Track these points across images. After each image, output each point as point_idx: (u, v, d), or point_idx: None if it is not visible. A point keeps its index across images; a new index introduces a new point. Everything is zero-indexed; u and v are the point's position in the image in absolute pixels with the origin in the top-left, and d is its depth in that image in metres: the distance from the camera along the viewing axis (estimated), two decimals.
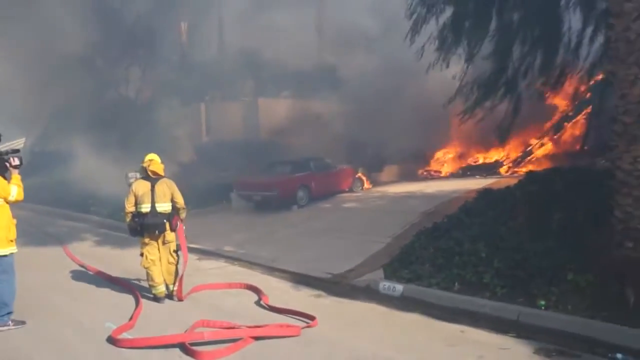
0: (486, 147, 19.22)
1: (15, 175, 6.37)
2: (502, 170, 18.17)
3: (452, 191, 13.58)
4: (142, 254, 7.18)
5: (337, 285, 7.79)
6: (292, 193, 14.31)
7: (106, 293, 7.72)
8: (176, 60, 20.79)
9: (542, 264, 6.60)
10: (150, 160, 7.31)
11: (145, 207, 7.06)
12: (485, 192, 10.65)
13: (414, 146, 18.37)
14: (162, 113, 17.11)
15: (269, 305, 6.78)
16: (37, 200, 9.29)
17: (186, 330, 5.80)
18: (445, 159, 20.41)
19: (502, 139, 12.35)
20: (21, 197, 6.36)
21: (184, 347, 5.35)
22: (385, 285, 7.37)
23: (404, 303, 6.83)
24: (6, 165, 6.33)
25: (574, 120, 16.97)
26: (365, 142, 18.11)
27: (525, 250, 7.02)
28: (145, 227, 7.01)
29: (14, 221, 6.32)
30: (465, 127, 16.50)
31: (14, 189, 6.27)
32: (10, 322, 6.11)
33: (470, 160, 19.92)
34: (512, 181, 10.92)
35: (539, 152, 18.10)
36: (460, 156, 20.23)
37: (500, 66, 9.48)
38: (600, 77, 11.68)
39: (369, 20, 18.98)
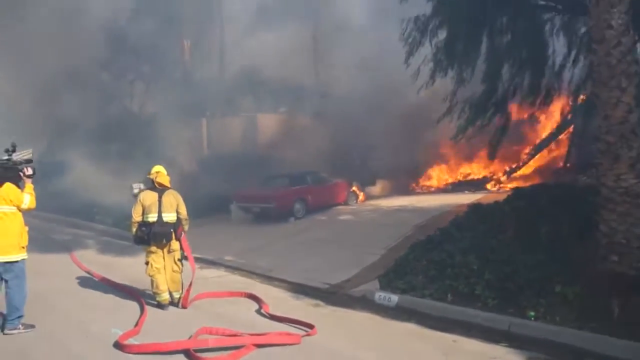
0: (474, 163, 19.67)
1: (29, 185, 6.59)
2: (490, 185, 18.57)
3: (442, 205, 13.89)
4: (147, 262, 7.39)
5: (334, 295, 8.02)
6: (290, 205, 14.61)
7: (111, 299, 7.91)
8: (179, 76, 21.17)
9: (531, 276, 6.90)
10: (157, 172, 7.58)
11: (152, 217, 7.30)
12: (475, 207, 10.99)
13: (406, 161, 18.73)
14: (164, 127, 17.42)
15: (269, 314, 6.98)
16: (43, 208, 9.52)
17: (190, 337, 5.96)
18: (435, 174, 20.77)
19: (491, 156, 12.74)
20: (34, 205, 6.58)
21: (188, 354, 5.52)
22: (380, 296, 7.61)
23: (398, 313, 7.06)
24: (20, 175, 6.57)
25: (557, 139, 17.47)
26: (359, 156, 18.45)
27: (515, 263, 7.31)
28: (153, 235, 7.23)
29: (26, 228, 6.53)
30: (454, 143, 17.00)
31: (27, 197, 6.50)
32: (20, 325, 6.30)
33: (460, 176, 20.30)
34: (500, 196, 11.28)
35: (524, 169, 18.56)
36: (450, 172, 20.62)
37: (490, 87, 9.89)
38: (582, 98, 12.20)
39: (363, 39, 19.43)
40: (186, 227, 7.66)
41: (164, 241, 7.34)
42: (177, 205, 7.48)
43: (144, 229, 7.32)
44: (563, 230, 7.59)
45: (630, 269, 5.99)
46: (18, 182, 6.54)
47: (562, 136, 16.62)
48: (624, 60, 6.15)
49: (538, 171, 17.73)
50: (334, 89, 20.16)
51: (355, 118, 18.23)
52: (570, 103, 14.27)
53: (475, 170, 19.70)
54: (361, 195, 17.21)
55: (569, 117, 14.65)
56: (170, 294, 7.45)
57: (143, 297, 7.63)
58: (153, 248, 7.38)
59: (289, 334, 6.10)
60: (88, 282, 9.04)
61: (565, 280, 6.54)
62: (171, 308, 7.39)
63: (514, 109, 10.96)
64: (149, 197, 7.42)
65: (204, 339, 5.92)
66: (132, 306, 7.44)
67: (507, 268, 7.24)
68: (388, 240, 10.65)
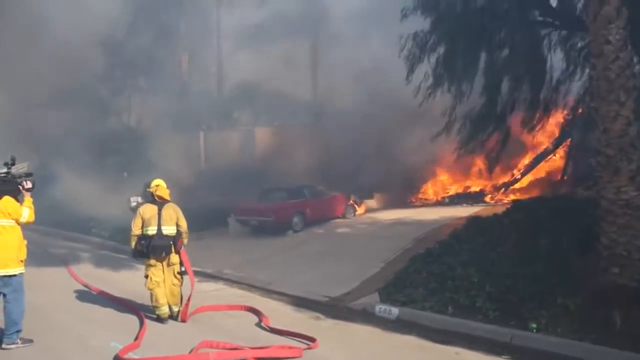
0: (472, 175, 19.76)
1: (28, 198, 6.57)
2: (487, 198, 18.63)
3: (440, 218, 13.91)
4: (146, 276, 7.35)
5: (334, 308, 8.00)
6: (288, 219, 14.61)
7: (110, 313, 7.85)
8: (176, 90, 21.26)
9: (531, 288, 6.92)
10: (157, 185, 7.57)
11: (152, 230, 7.27)
12: (473, 220, 11.04)
13: (403, 174, 18.79)
14: (162, 140, 17.46)
15: (269, 327, 6.95)
16: (41, 222, 9.51)
17: (191, 351, 5.92)
18: (432, 187, 20.83)
19: (490, 169, 12.82)
20: (32, 219, 6.55)
21: None
22: (381, 309, 7.60)
23: (399, 325, 7.05)
24: (19, 188, 6.54)
25: (555, 152, 17.60)
26: (356, 170, 18.48)
27: (515, 275, 7.34)
28: (152, 248, 7.20)
29: (25, 242, 6.50)
30: (452, 157, 17.09)
31: (26, 211, 6.47)
32: (18, 340, 6.23)
33: (457, 189, 20.36)
34: (498, 209, 11.35)
35: (522, 182, 18.67)
36: (447, 184, 20.68)
37: (489, 102, 9.99)
38: (579, 111, 12.34)
39: (361, 52, 19.59)
40: (185, 241, 7.63)
41: (164, 254, 7.31)
42: (177, 219, 7.46)
43: (143, 242, 7.29)
44: (563, 242, 7.62)
45: (632, 281, 6.02)
46: (17, 195, 6.51)
47: (559, 149, 16.73)
48: (623, 75, 6.23)
49: (535, 184, 17.82)
50: (331, 101, 20.27)
51: (352, 131, 18.30)
52: (568, 117, 14.43)
53: (473, 183, 19.77)
54: (359, 209, 17.21)
55: (567, 129, 14.76)
56: (170, 307, 7.40)
57: (142, 311, 7.57)
58: (152, 261, 7.34)
59: (290, 347, 6.08)
60: (86, 295, 8.96)
61: (567, 292, 6.55)
62: (171, 322, 7.34)
63: (512, 122, 11.04)
64: (149, 210, 7.40)
65: (205, 352, 5.89)
66: (131, 320, 7.39)
67: (508, 280, 7.26)
68: (387, 253, 10.66)
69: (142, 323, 7.07)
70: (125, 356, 5.79)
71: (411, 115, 15.94)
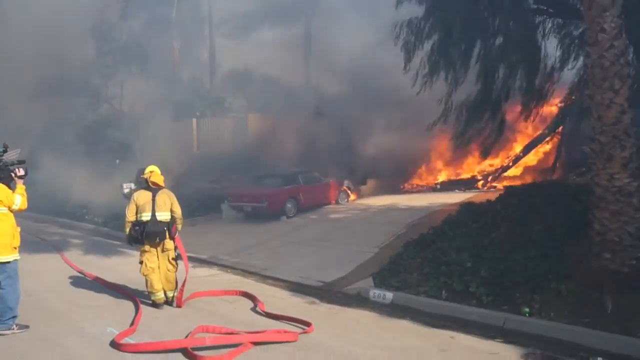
0: (465, 162, 19.86)
1: (20, 185, 6.52)
2: (480, 184, 18.75)
3: (433, 204, 14.02)
4: (141, 262, 7.36)
5: (329, 293, 8.06)
6: (281, 204, 14.65)
7: (105, 299, 7.84)
8: (169, 77, 21.11)
9: (525, 273, 7.00)
10: (151, 171, 7.55)
11: (146, 216, 7.26)
12: (467, 206, 11.09)
13: (396, 160, 18.83)
14: (155, 127, 17.36)
15: (265, 312, 6.98)
16: (34, 209, 9.48)
17: (187, 336, 5.94)
18: (426, 173, 20.91)
19: (485, 155, 12.88)
20: (25, 206, 6.51)
21: (186, 352, 5.50)
22: (375, 293, 7.67)
23: (394, 310, 7.12)
24: (11, 175, 6.49)
25: (547, 139, 17.72)
26: (350, 155, 18.52)
27: (508, 260, 7.41)
28: (147, 234, 7.20)
29: (18, 229, 6.46)
30: (445, 143, 17.16)
31: (18, 198, 6.43)
32: (14, 326, 6.24)
33: (450, 175, 20.46)
34: (491, 195, 11.41)
35: (515, 169, 18.79)
36: (440, 170, 20.77)
37: (484, 89, 9.99)
38: (573, 99, 12.39)
39: (354, 38, 19.51)
40: (180, 227, 7.64)
41: (158, 240, 7.31)
42: (171, 205, 7.45)
43: (137, 228, 7.28)
44: (556, 228, 7.70)
45: (623, 266, 6.11)
46: (9, 182, 6.47)
47: (551, 136, 16.83)
48: (617, 63, 6.25)
49: (528, 170, 17.94)
50: (324, 87, 20.21)
51: (346, 117, 18.29)
52: (562, 104, 14.50)
53: (466, 169, 19.87)
54: (352, 194, 17.27)
55: (560, 117, 14.84)
56: (165, 293, 7.42)
57: (137, 296, 7.58)
58: (147, 247, 7.34)
59: (286, 332, 6.12)
60: (81, 281, 8.96)
61: (559, 277, 6.64)
62: (166, 307, 7.36)
63: (506, 109, 11.06)
64: (143, 197, 7.38)
65: (201, 337, 5.91)
66: (127, 305, 7.40)
67: (501, 265, 7.34)
68: (381, 239, 10.74)
69: (137, 309, 7.10)
70: (122, 341, 5.81)
71: (404, 101, 15.99)
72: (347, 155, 18.14)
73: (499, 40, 9.91)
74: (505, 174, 18.76)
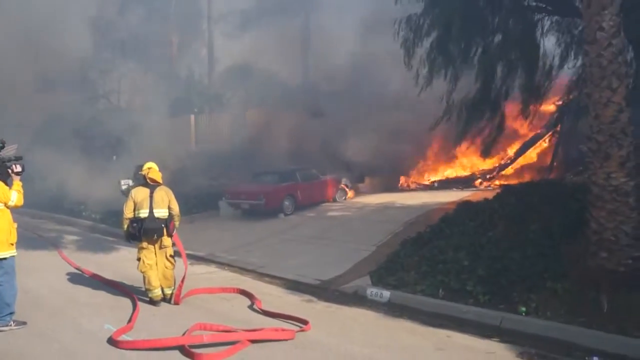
0: (462, 161, 19.87)
1: (17, 182, 6.51)
2: (477, 183, 18.75)
3: (431, 202, 13.97)
4: (139, 259, 7.36)
5: (326, 291, 8.07)
6: (279, 202, 14.64)
7: (103, 296, 7.85)
8: (167, 72, 21.07)
9: (521, 272, 7.01)
10: (149, 168, 7.54)
11: (144, 213, 7.26)
12: (464, 204, 11.09)
13: (394, 159, 18.83)
14: (152, 123, 17.34)
15: (262, 310, 6.99)
16: (32, 205, 9.49)
17: (184, 333, 5.95)
18: (423, 171, 20.90)
19: (485, 154, 12.88)
20: (21, 202, 6.50)
21: (183, 350, 5.50)
22: (372, 292, 7.68)
23: (391, 308, 7.13)
24: (8, 172, 6.47)
25: (544, 138, 17.73)
26: (348, 153, 18.50)
27: (505, 259, 7.41)
28: (144, 231, 7.20)
29: (15, 225, 6.46)
30: (442, 141, 17.15)
31: (14, 194, 6.42)
32: (12, 322, 6.25)
33: (448, 173, 20.46)
34: (488, 194, 11.41)
35: (511, 168, 18.80)
36: (437, 169, 20.77)
37: (484, 88, 9.99)
38: (571, 97, 12.39)
39: (352, 35, 19.47)
40: (177, 223, 7.64)
41: (155, 237, 7.32)
42: (169, 201, 7.45)
43: (135, 224, 7.29)
44: (553, 227, 7.71)
45: (619, 266, 6.12)
46: (6, 179, 6.46)
47: (549, 135, 16.85)
48: (615, 62, 6.25)
49: (525, 169, 17.94)
50: (322, 83, 20.18)
51: (343, 113, 18.27)
52: (560, 103, 14.49)
53: (464, 167, 19.87)
54: (350, 192, 17.26)
55: (558, 115, 14.84)
56: (163, 290, 7.42)
57: (134, 293, 7.58)
58: (144, 244, 7.35)
59: (283, 330, 6.12)
60: (78, 278, 8.96)
61: (556, 276, 6.65)
62: (163, 304, 7.37)
63: (505, 108, 11.07)
64: (141, 193, 7.38)
65: (198, 334, 5.92)
66: (124, 302, 7.41)
67: (498, 264, 7.34)
68: (378, 237, 10.73)
69: (135, 306, 7.10)
70: (119, 338, 5.82)
71: (402, 98, 15.98)
72: (344, 153, 18.10)
73: (498, 37, 9.90)
74: (504, 172, 18.76)
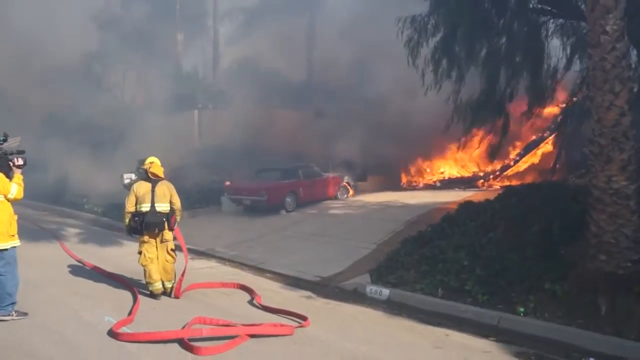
0: (465, 161, 19.88)
1: (18, 175, 6.53)
2: (479, 183, 18.77)
3: (433, 202, 14.01)
4: (140, 252, 7.41)
5: (325, 288, 8.11)
6: (281, 199, 14.70)
7: (103, 288, 7.90)
8: (171, 68, 21.13)
9: (521, 273, 7.04)
10: (151, 162, 7.59)
11: (146, 207, 7.31)
12: (465, 204, 11.10)
13: (397, 158, 18.86)
14: (156, 119, 17.40)
15: (262, 305, 7.03)
16: (32, 197, 9.55)
17: (184, 327, 5.99)
18: (426, 171, 20.93)
19: (491, 157, 12.88)
20: (21, 195, 6.53)
21: (183, 343, 5.54)
22: (372, 289, 7.71)
23: (390, 306, 7.17)
24: (10, 165, 6.51)
25: (547, 140, 17.72)
26: (350, 151, 18.53)
27: (505, 260, 7.45)
28: (146, 225, 7.24)
29: (15, 217, 6.49)
30: (444, 142, 17.15)
31: (14, 187, 6.44)
32: (13, 312, 6.29)
33: (450, 174, 20.48)
34: (490, 194, 11.42)
35: (514, 169, 18.80)
36: (440, 169, 20.79)
37: (489, 90, 9.99)
38: (574, 100, 12.38)
39: (355, 33, 19.47)
40: (179, 218, 7.68)
41: (157, 231, 7.36)
42: (171, 196, 7.50)
43: (136, 218, 7.33)
44: (553, 228, 7.73)
45: (618, 268, 6.14)
46: (8, 171, 6.49)
47: (552, 137, 16.84)
48: (618, 65, 6.25)
49: (528, 171, 17.95)
50: (327, 83, 20.20)
51: (348, 113, 18.30)
52: (563, 105, 14.48)
53: (466, 168, 19.88)
54: (351, 190, 17.30)
55: (561, 118, 14.83)
56: (163, 283, 7.47)
57: (135, 286, 7.63)
58: (146, 238, 7.39)
59: (282, 325, 6.15)
60: (80, 270, 9.01)
61: (555, 278, 6.67)
62: (164, 298, 7.41)
63: (510, 109, 11.06)
64: (143, 188, 7.43)
65: (198, 328, 5.95)
66: (125, 295, 7.45)
67: (498, 264, 7.38)
68: (379, 235, 10.76)
69: (135, 298, 7.14)
70: (119, 330, 5.85)
71: (405, 98, 16.00)
72: (346, 151, 18.13)
73: (503, 39, 9.90)
74: (506, 173, 18.77)
